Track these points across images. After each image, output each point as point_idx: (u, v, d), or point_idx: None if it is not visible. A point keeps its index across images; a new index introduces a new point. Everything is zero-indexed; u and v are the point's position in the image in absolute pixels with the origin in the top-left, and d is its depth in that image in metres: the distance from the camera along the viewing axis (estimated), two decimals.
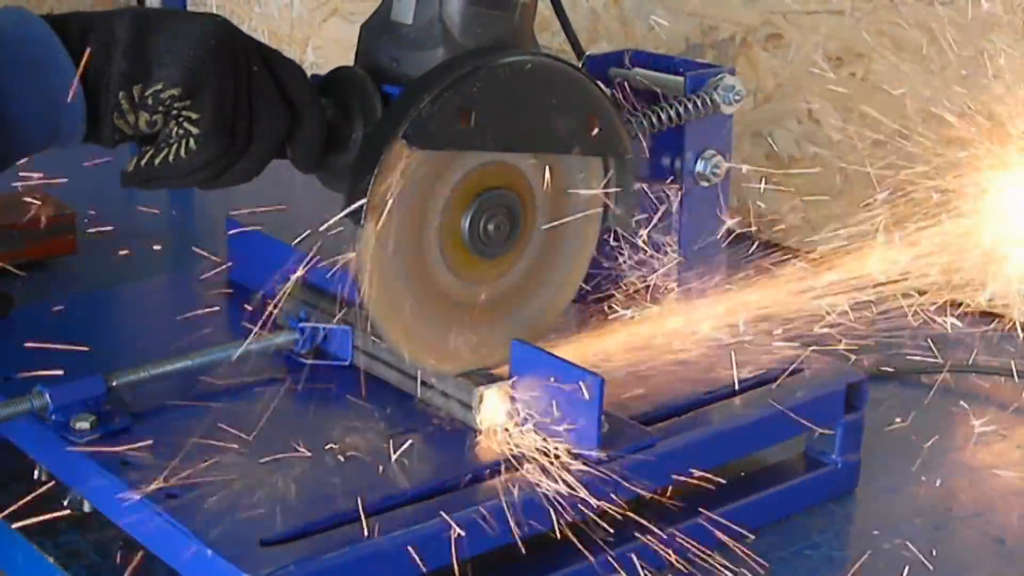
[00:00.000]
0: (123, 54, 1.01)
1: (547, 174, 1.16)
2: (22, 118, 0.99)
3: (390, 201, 1.07)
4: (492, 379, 1.13)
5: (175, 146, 1.03)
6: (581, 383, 1.08)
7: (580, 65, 1.33)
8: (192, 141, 1.03)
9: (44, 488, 1.12)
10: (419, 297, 1.13)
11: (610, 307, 1.30)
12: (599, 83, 1.20)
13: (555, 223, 1.18)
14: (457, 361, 1.16)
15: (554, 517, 1.07)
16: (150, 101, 1.02)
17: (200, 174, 1.05)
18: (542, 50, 1.16)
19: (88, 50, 1.01)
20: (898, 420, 1.38)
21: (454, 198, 1.12)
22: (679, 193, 1.28)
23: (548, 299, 1.21)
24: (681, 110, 1.24)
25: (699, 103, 1.25)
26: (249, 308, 1.25)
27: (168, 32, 1.03)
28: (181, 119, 1.03)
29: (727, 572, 1.13)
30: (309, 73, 1.13)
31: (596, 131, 1.14)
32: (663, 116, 1.24)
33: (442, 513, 1.01)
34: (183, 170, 1.04)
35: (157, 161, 1.04)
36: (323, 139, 1.10)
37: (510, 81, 1.09)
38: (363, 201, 1.05)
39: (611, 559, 1.10)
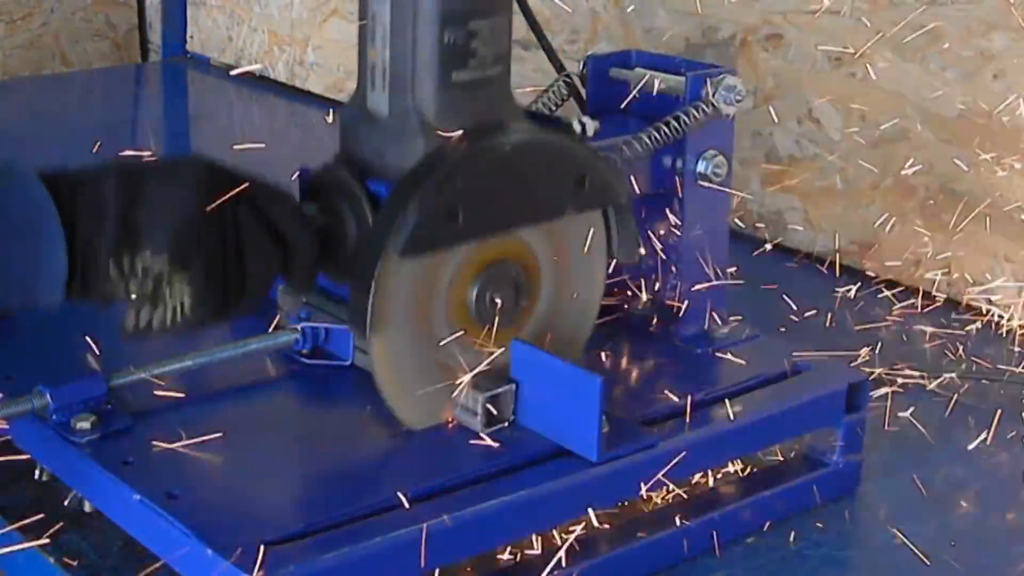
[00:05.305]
0: (112, 225, 1.02)
1: (548, 240, 1.16)
2: (2, 279, 1.00)
3: (392, 310, 1.08)
4: (493, 380, 1.13)
5: (169, 309, 1.04)
6: (581, 384, 1.08)
7: (585, 70, 1.33)
8: (186, 305, 1.04)
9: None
10: (434, 378, 1.13)
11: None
12: (584, 121, 1.20)
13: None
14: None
15: (554, 517, 1.07)
16: (139, 271, 1.03)
17: (197, 327, 1.07)
18: (521, 116, 1.16)
19: (78, 219, 1.02)
20: (899, 421, 1.38)
21: (457, 281, 1.13)
22: (681, 194, 1.28)
23: (562, 346, 1.20)
24: (680, 125, 1.24)
25: (698, 113, 1.24)
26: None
27: (154, 199, 1.03)
28: (172, 285, 1.04)
29: (727, 572, 1.13)
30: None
31: (588, 186, 1.14)
32: (664, 133, 1.24)
33: (442, 513, 1.01)
34: (180, 328, 1.06)
35: (154, 323, 1.05)
36: (315, 262, 1.11)
37: (493, 167, 1.09)
38: (366, 316, 1.06)
39: (611, 559, 1.10)
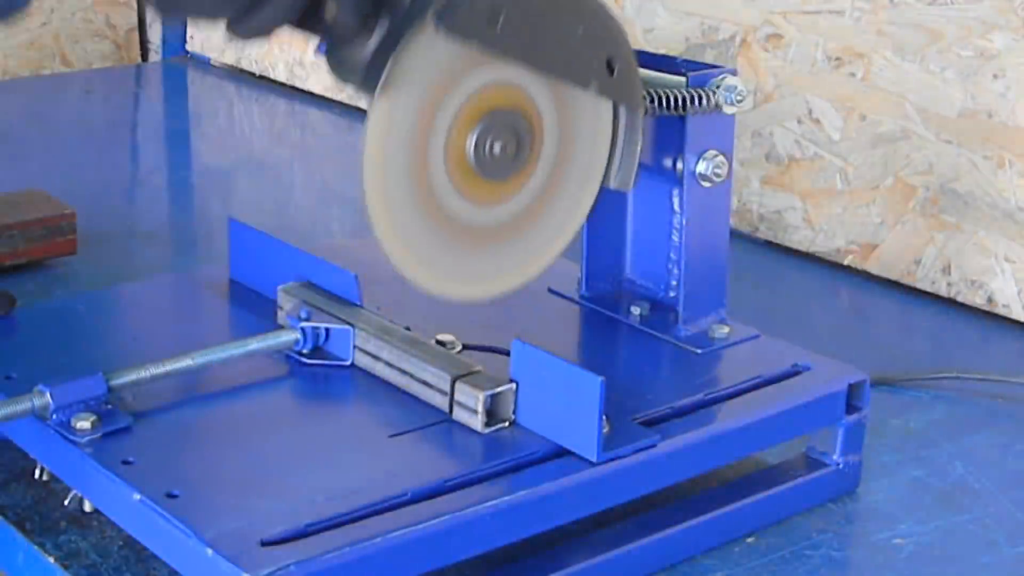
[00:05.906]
0: None
1: (558, 108, 1.17)
2: None
3: (407, 83, 1.07)
4: (492, 380, 1.13)
5: None
6: (581, 384, 1.08)
7: None
8: None
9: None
10: (421, 214, 1.12)
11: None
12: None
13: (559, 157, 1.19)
14: (458, 287, 1.16)
15: (554, 517, 1.07)
16: None
17: (222, 5, 1.02)
18: None
19: None
20: (899, 420, 1.38)
21: (463, 112, 1.12)
22: (681, 194, 1.28)
23: (547, 240, 1.20)
24: (683, 98, 1.24)
25: (699, 98, 1.24)
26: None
27: None
28: None
29: (727, 572, 1.13)
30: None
31: (616, 73, 1.15)
32: (663, 100, 1.23)
33: (442, 513, 1.01)
34: (200, 6, 1.01)
35: None
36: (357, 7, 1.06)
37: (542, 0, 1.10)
38: (381, 77, 1.05)
39: (611, 560, 1.10)
